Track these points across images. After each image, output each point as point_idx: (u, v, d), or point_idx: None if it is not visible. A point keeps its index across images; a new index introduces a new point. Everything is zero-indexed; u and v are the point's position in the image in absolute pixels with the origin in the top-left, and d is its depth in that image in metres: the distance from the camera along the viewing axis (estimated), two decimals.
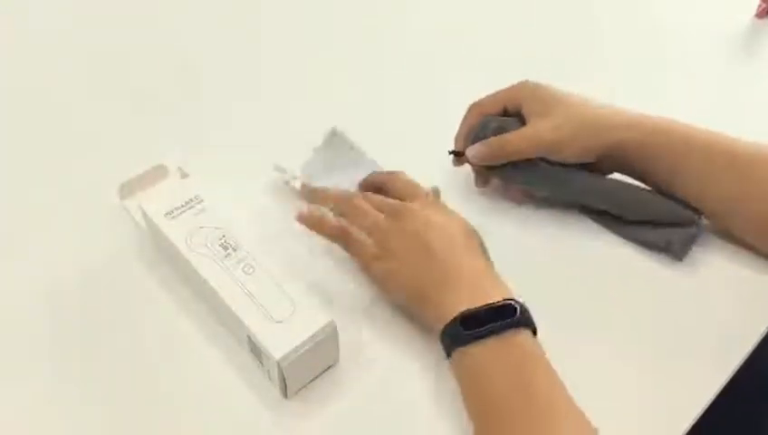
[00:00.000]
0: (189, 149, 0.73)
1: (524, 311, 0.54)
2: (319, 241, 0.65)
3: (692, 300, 0.63)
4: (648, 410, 0.57)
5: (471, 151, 0.68)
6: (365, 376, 0.58)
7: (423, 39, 0.90)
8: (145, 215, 0.62)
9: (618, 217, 0.67)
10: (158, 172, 0.68)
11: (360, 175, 0.69)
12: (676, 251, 0.64)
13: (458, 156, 0.70)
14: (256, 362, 0.58)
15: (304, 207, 0.67)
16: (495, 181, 0.71)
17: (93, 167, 0.73)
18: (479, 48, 0.87)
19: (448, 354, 0.55)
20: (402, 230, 0.60)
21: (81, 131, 0.77)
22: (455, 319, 0.54)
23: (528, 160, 0.66)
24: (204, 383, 0.58)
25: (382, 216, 0.62)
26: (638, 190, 0.66)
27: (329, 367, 0.58)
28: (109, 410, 0.57)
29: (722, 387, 0.58)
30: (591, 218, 0.68)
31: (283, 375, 0.54)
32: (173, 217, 0.61)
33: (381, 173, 0.69)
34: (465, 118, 0.70)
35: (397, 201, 0.63)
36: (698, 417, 0.56)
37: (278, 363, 0.54)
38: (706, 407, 0.57)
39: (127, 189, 0.67)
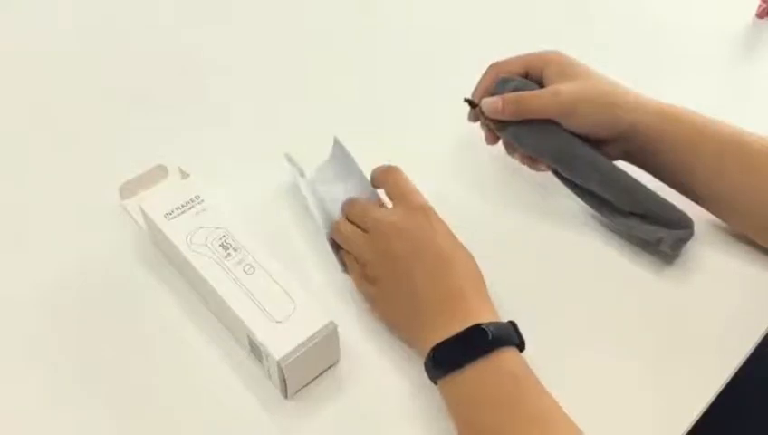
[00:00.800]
0: (190, 149, 0.73)
1: (500, 332, 0.53)
2: (320, 240, 0.66)
3: (693, 299, 0.63)
4: (649, 409, 0.57)
5: (486, 103, 0.67)
6: (365, 376, 0.58)
7: (424, 38, 0.90)
8: (145, 215, 0.62)
9: (612, 207, 0.66)
10: (159, 172, 0.68)
11: (355, 189, 0.68)
12: (665, 250, 0.64)
13: (473, 106, 0.69)
14: (256, 362, 0.58)
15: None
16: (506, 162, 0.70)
17: (94, 167, 0.73)
18: (479, 48, 0.87)
19: (434, 382, 0.55)
20: (385, 254, 0.59)
21: (81, 131, 0.77)
22: (429, 353, 0.54)
23: (540, 124, 0.65)
24: (204, 383, 0.58)
25: (364, 238, 0.61)
26: (638, 183, 0.65)
27: (329, 367, 0.58)
28: (108, 410, 0.56)
29: (723, 386, 0.58)
30: (585, 202, 0.68)
31: (283, 375, 0.54)
32: (173, 218, 0.61)
33: (379, 168, 0.66)
34: (485, 75, 0.69)
35: (379, 217, 0.61)
36: (699, 416, 0.56)
37: (278, 363, 0.54)
38: (707, 406, 0.57)
39: (127, 189, 0.67)
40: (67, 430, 0.56)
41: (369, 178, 0.66)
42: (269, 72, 0.84)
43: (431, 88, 0.83)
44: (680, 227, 0.64)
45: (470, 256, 0.59)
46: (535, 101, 0.65)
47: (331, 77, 0.84)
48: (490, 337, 0.52)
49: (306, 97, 0.81)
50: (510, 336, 0.53)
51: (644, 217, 0.65)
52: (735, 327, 0.61)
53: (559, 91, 0.64)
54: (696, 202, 0.66)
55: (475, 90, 0.69)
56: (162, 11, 0.91)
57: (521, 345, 0.54)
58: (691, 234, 0.64)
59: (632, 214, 0.65)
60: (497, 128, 0.68)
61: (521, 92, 0.66)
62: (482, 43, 0.88)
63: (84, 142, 0.76)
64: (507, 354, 0.53)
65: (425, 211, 0.60)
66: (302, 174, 0.69)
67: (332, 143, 0.70)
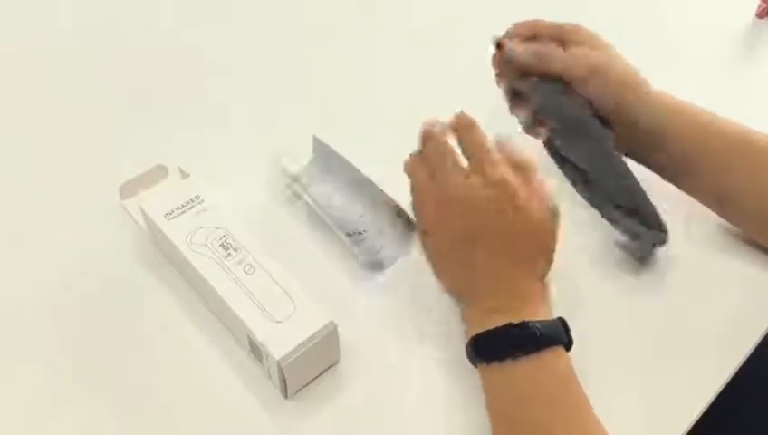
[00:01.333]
0: (190, 149, 0.73)
1: (548, 331, 0.52)
2: (320, 240, 0.66)
3: (693, 299, 0.63)
4: (650, 410, 0.57)
5: (516, 46, 0.66)
6: (365, 376, 0.58)
7: (424, 39, 0.90)
8: (145, 215, 0.62)
9: (602, 193, 0.65)
10: (159, 172, 0.68)
11: (347, 181, 0.68)
12: (641, 247, 0.64)
13: (499, 48, 0.68)
14: (256, 362, 0.58)
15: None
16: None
17: (94, 167, 0.73)
18: (479, 49, 0.87)
19: (473, 364, 0.55)
20: (450, 223, 0.55)
21: (81, 131, 0.77)
22: (470, 340, 0.54)
23: (560, 87, 0.65)
24: (204, 383, 0.58)
25: (433, 188, 0.57)
26: (633, 177, 0.65)
27: (329, 367, 0.58)
28: (109, 410, 0.56)
29: (724, 386, 0.58)
30: (571, 181, 0.66)
31: (283, 375, 0.54)
32: (173, 218, 0.61)
33: (459, 118, 0.59)
34: (516, 27, 0.69)
35: (453, 182, 0.56)
36: (699, 416, 0.56)
37: (278, 363, 0.54)
38: (707, 406, 0.57)
39: (127, 189, 0.67)
40: (67, 430, 0.56)
41: (358, 167, 0.66)
42: (269, 72, 0.84)
43: (432, 88, 0.83)
44: (660, 231, 0.64)
45: (545, 241, 0.56)
46: (559, 55, 0.64)
47: (332, 77, 0.84)
48: (538, 335, 0.51)
49: (306, 97, 0.81)
50: (559, 335, 0.53)
51: (630, 212, 0.64)
52: (735, 327, 0.61)
53: (588, 53, 0.64)
54: (700, 200, 0.66)
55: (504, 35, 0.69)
56: (162, 11, 0.90)
57: (569, 344, 0.53)
58: (666, 240, 0.64)
59: (619, 207, 0.64)
60: (517, 78, 0.67)
61: (547, 45, 0.66)
62: (482, 44, 0.88)
63: (84, 142, 0.76)
64: (554, 354, 0.52)
65: (503, 187, 0.55)
66: (297, 178, 0.69)
67: (313, 142, 0.70)
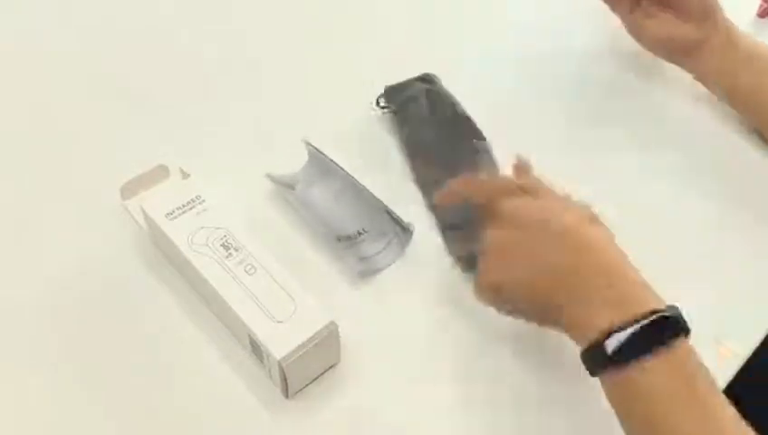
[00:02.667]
0: (190, 149, 0.73)
1: (678, 318, 0.48)
2: (321, 240, 0.66)
3: (693, 299, 0.63)
4: None
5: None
6: (366, 376, 0.58)
7: (425, 38, 0.90)
8: (146, 215, 0.62)
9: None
10: (160, 172, 0.68)
11: (337, 185, 0.69)
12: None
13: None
14: (257, 362, 0.58)
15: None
16: None
17: (95, 167, 0.73)
18: (479, 47, 0.87)
19: (593, 374, 0.49)
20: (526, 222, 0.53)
21: (82, 132, 0.77)
22: (597, 340, 0.47)
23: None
24: (204, 383, 0.58)
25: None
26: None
27: (330, 367, 0.58)
28: (109, 410, 0.57)
29: (724, 386, 0.58)
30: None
31: (284, 375, 0.54)
32: (174, 218, 0.61)
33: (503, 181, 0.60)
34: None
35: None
36: None
37: (279, 363, 0.54)
38: None
39: (128, 190, 0.67)
40: (67, 430, 0.56)
41: (352, 174, 0.67)
42: (269, 73, 0.84)
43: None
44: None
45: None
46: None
47: (332, 77, 0.84)
48: (681, 324, 0.47)
49: (306, 97, 0.81)
50: (685, 323, 0.48)
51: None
52: (735, 327, 0.62)
53: None
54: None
55: None
56: (162, 11, 0.90)
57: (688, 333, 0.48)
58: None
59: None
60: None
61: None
62: (483, 45, 0.88)
63: (85, 142, 0.76)
64: (688, 345, 0.48)
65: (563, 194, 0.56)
66: (293, 187, 0.69)
67: (306, 147, 0.70)
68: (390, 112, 0.76)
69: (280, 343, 0.54)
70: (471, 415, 0.57)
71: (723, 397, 0.47)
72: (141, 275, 0.64)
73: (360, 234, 0.66)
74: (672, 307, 0.49)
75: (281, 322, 0.55)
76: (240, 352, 0.59)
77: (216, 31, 0.89)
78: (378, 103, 0.76)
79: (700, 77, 0.72)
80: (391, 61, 0.83)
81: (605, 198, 0.56)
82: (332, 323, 0.56)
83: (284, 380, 0.55)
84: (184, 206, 0.62)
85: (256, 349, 0.56)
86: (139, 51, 0.86)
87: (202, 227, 0.60)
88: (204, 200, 0.62)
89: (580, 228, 0.52)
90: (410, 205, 0.69)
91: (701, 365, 0.48)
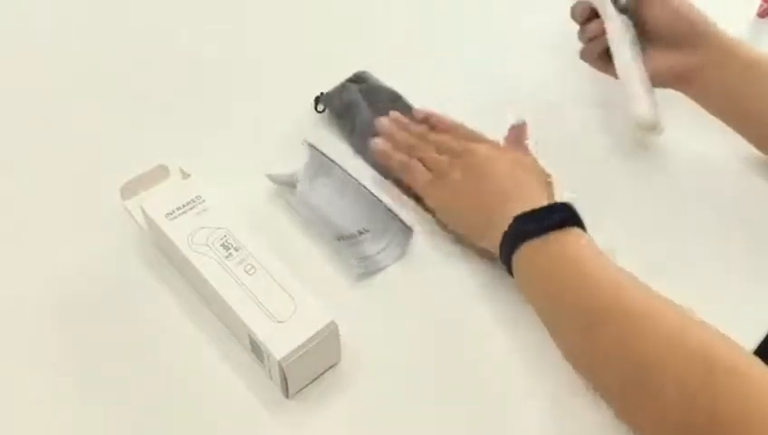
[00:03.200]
0: (191, 149, 0.73)
1: (572, 210, 0.58)
2: (321, 240, 0.66)
3: (693, 299, 0.63)
4: None
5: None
6: (366, 376, 0.58)
7: (425, 39, 0.90)
8: (146, 215, 0.62)
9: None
10: (160, 172, 0.68)
11: (340, 185, 0.69)
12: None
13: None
14: (257, 362, 0.58)
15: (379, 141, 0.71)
16: None
17: (95, 167, 0.73)
18: (479, 43, 0.87)
19: (509, 263, 0.58)
20: (463, 165, 0.65)
21: (82, 132, 0.77)
22: (515, 219, 0.58)
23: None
24: (204, 383, 0.58)
25: (445, 157, 0.67)
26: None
27: (330, 367, 0.58)
28: (108, 410, 0.57)
29: None
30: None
31: (284, 375, 0.54)
32: (174, 218, 0.61)
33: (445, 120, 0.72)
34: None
35: (462, 142, 0.68)
36: None
37: (279, 363, 0.54)
38: None
39: (128, 190, 0.67)
40: (67, 430, 0.56)
41: (348, 171, 0.69)
42: (269, 73, 0.84)
43: (431, 89, 0.83)
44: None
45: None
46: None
47: (332, 77, 0.83)
48: (574, 211, 0.58)
49: (306, 97, 0.81)
50: (578, 216, 0.58)
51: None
52: (736, 327, 0.61)
53: None
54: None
55: None
56: (162, 11, 0.90)
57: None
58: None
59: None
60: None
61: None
62: (483, 44, 0.88)
63: (85, 142, 0.76)
64: (579, 231, 0.58)
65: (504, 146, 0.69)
66: (293, 187, 0.69)
67: (306, 147, 0.71)
68: (334, 117, 0.76)
69: (280, 343, 0.54)
70: (472, 414, 0.57)
71: (617, 273, 0.55)
72: (141, 275, 0.64)
73: (360, 233, 0.66)
74: (566, 203, 0.59)
75: (281, 322, 0.55)
76: (240, 352, 0.59)
77: (215, 31, 0.89)
78: (316, 108, 0.77)
79: (705, 101, 0.72)
80: (392, 60, 0.83)
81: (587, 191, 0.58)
82: (332, 322, 0.56)
83: (284, 380, 0.55)
84: (184, 206, 0.62)
85: (256, 349, 0.56)
86: (139, 51, 0.86)
87: (202, 227, 0.60)
88: (204, 200, 0.62)
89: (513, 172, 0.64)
90: (410, 205, 0.69)
91: (597, 251, 0.57)
